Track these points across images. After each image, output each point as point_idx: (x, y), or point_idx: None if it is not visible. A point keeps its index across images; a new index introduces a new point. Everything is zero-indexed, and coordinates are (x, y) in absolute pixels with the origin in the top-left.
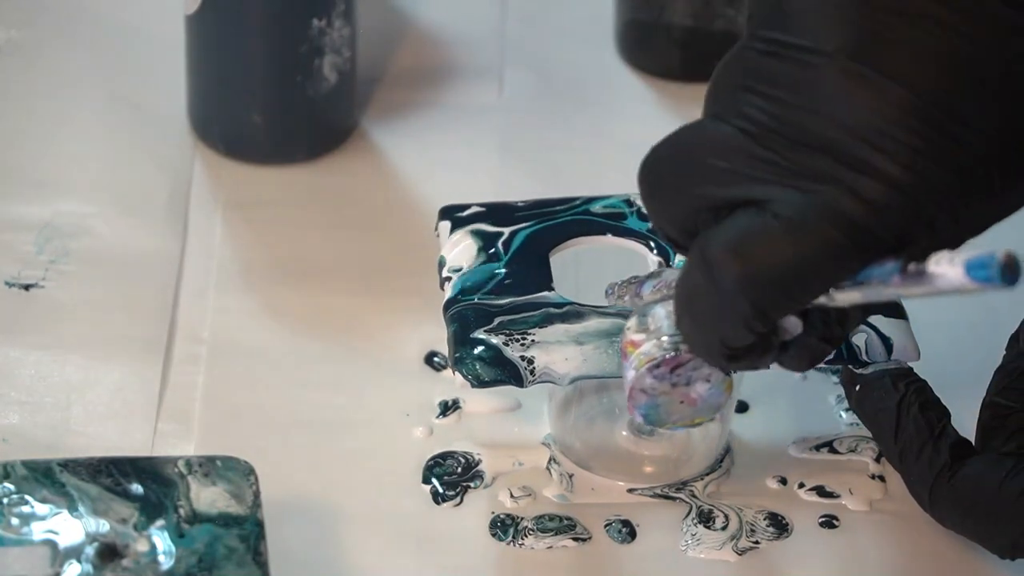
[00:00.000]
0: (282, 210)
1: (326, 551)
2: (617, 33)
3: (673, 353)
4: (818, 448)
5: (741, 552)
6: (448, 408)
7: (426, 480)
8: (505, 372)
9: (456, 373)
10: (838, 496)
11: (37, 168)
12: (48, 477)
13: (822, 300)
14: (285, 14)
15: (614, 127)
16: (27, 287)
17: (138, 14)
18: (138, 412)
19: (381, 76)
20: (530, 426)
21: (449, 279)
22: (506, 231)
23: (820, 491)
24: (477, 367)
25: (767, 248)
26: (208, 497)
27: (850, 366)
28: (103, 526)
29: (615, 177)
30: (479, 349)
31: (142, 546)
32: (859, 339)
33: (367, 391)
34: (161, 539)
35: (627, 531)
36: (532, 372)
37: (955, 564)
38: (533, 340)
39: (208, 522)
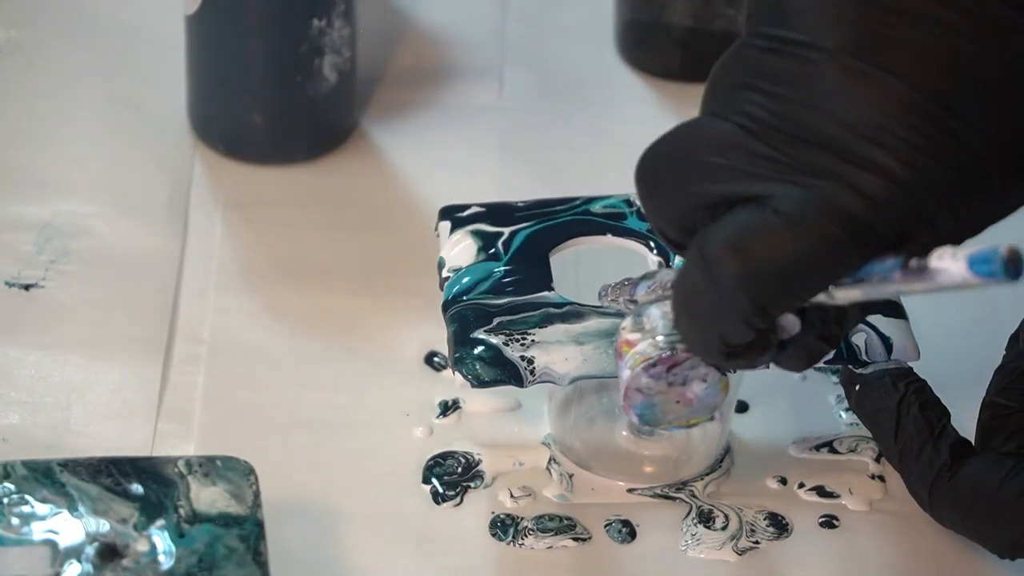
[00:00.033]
0: (282, 210)
1: (326, 551)
2: (617, 33)
3: (669, 352)
4: (818, 448)
5: (741, 552)
6: (448, 408)
7: (426, 480)
8: (505, 372)
9: (456, 373)
10: (838, 496)
11: (37, 168)
12: (48, 477)
13: (822, 298)
14: (285, 14)
15: (614, 127)
16: (27, 287)
17: (138, 14)
18: (138, 412)
19: (381, 76)
20: (530, 426)
21: (448, 279)
22: (506, 231)
23: (820, 491)
24: (477, 367)
25: (767, 244)
26: (208, 497)
27: (850, 366)
28: (103, 526)
29: (615, 177)
30: (479, 349)
31: (142, 546)
32: (859, 339)
33: (367, 391)
34: (161, 539)
35: (627, 531)
36: (532, 372)
37: (955, 564)
38: (533, 340)
39: (208, 522)
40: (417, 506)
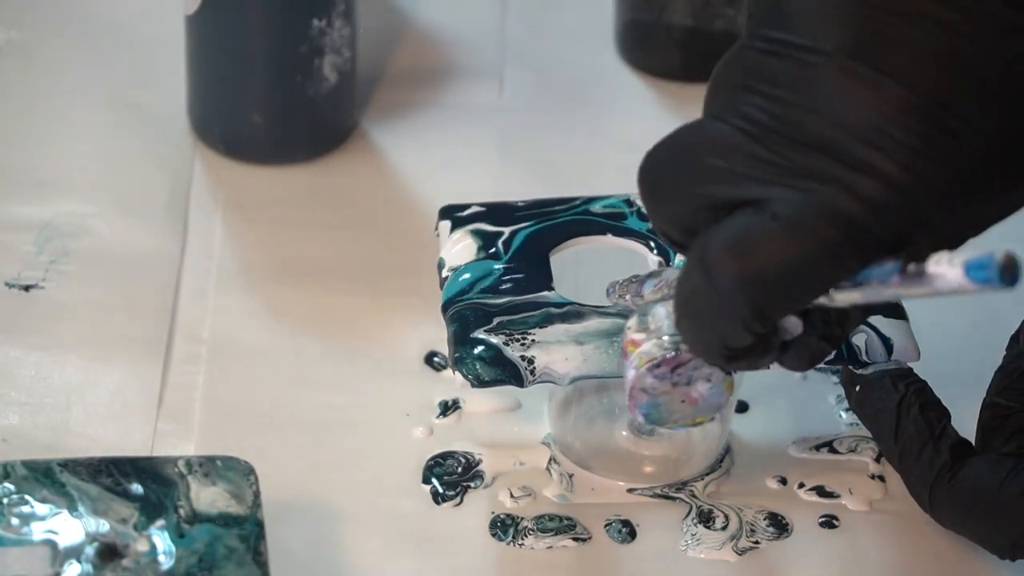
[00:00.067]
0: (282, 210)
1: (326, 551)
2: (617, 33)
3: (674, 353)
4: (818, 448)
5: (741, 552)
6: (448, 408)
7: (426, 480)
8: (505, 372)
9: (456, 373)
10: (838, 496)
11: (37, 168)
12: (48, 477)
13: (822, 300)
14: (285, 14)
15: (614, 127)
16: (27, 288)
17: (138, 14)
18: (138, 412)
19: (381, 76)
20: (530, 426)
21: (448, 279)
22: (506, 231)
23: (820, 491)
24: (477, 367)
25: (765, 248)
26: (208, 497)
27: (850, 366)
28: (103, 526)
29: (615, 177)
30: (479, 349)
31: (142, 546)
32: (859, 339)
33: (367, 391)
34: (161, 539)
35: (627, 531)
36: (532, 372)
37: (955, 564)
38: (533, 340)
39: (208, 522)
40: (417, 506)
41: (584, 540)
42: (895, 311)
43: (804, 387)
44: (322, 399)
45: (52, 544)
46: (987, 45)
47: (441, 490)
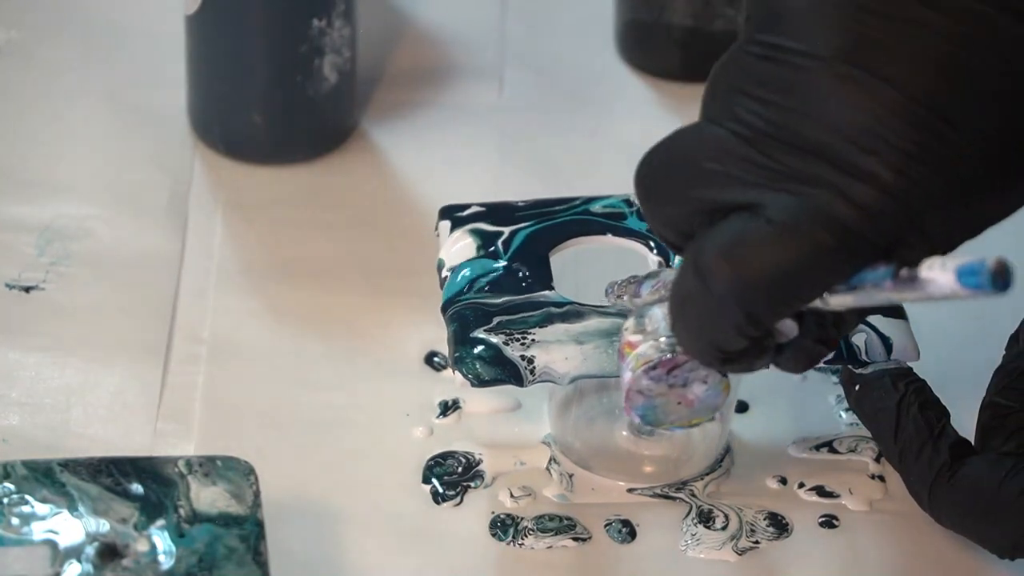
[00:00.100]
0: (282, 210)
1: (326, 551)
2: (617, 33)
3: (670, 355)
4: (818, 448)
5: (741, 552)
6: (448, 408)
7: (426, 480)
8: (505, 371)
9: (456, 373)
10: (838, 496)
11: (37, 169)
12: (48, 477)
13: (816, 304)
14: (285, 14)
15: (614, 127)
16: (27, 289)
17: (138, 14)
18: (138, 413)
19: (381, 76)
20: (530, 426)
21: (447, 278)
22: (506, 231)
23: (820, 491)
24: (477, 366)
25: (760, 252)
26: (208, 497)
27: (850, 366)
28: (103, 526)
29: (615, 177)
30: (479, 348)
31: (142, 546)
32: (859, 339)
33: (367, 391)
34: (161, 539)
35: (627, 531)
36: (532, 371)
37: (955, 564)
38: (533, 339)
39: (208, 522)
40: (417, 506)
41: (584, 540)
42: (894, 310)
43: (804, 387)
44: (322, 399)
45: (52, 544)
46: (983, 48)
47: (441, 490)
